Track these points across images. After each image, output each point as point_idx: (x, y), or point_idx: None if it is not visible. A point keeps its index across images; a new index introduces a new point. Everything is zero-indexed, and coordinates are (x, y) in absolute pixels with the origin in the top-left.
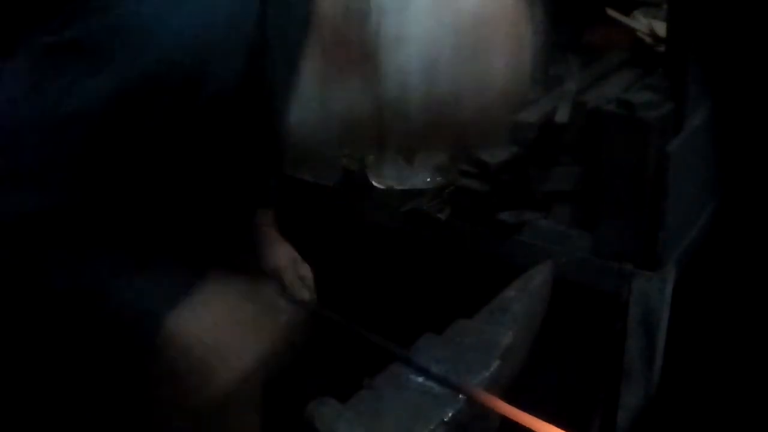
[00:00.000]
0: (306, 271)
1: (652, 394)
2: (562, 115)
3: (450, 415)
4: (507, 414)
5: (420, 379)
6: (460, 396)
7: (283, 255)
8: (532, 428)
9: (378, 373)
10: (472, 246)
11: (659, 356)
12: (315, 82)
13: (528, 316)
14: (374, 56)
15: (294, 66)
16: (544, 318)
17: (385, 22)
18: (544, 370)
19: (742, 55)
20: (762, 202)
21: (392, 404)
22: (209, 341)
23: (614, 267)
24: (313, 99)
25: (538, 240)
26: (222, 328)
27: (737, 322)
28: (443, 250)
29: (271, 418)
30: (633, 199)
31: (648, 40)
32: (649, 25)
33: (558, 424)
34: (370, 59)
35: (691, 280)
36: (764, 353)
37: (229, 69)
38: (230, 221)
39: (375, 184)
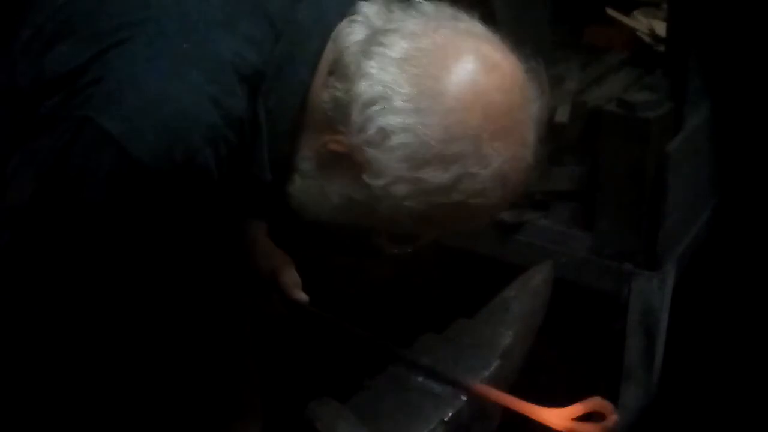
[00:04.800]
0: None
1: (652, 394)
2: (562, 115)
3: (450, 415)
4: (507, 404)
5: (420, 379)
6: (461, 395)
7: (278, 259)
8: (532, 416)
9: (378, 373)
10: (472, 246)
11: (659, 356)
12: (314, 164)
13: (528, 316)
14: (360, 147)
15: (287, 145)
16: (544, 318)
17: (369, 113)
18: (544, 370)
19: (742, 54)
20: (762, 202)
21: (392, 404)
22: None
23: (614, 267)
24: (313, 178)
25: (538, 240)
26: None
27: (737, 322)
28: (443, 249)
29: (271, 418)
30: (633, 199)
31: (648, 40)
32: (649, 25)
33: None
34: (358, 149)
35: (691, 280)
36: (764, 353)
37: (215, 148)
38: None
39: None
